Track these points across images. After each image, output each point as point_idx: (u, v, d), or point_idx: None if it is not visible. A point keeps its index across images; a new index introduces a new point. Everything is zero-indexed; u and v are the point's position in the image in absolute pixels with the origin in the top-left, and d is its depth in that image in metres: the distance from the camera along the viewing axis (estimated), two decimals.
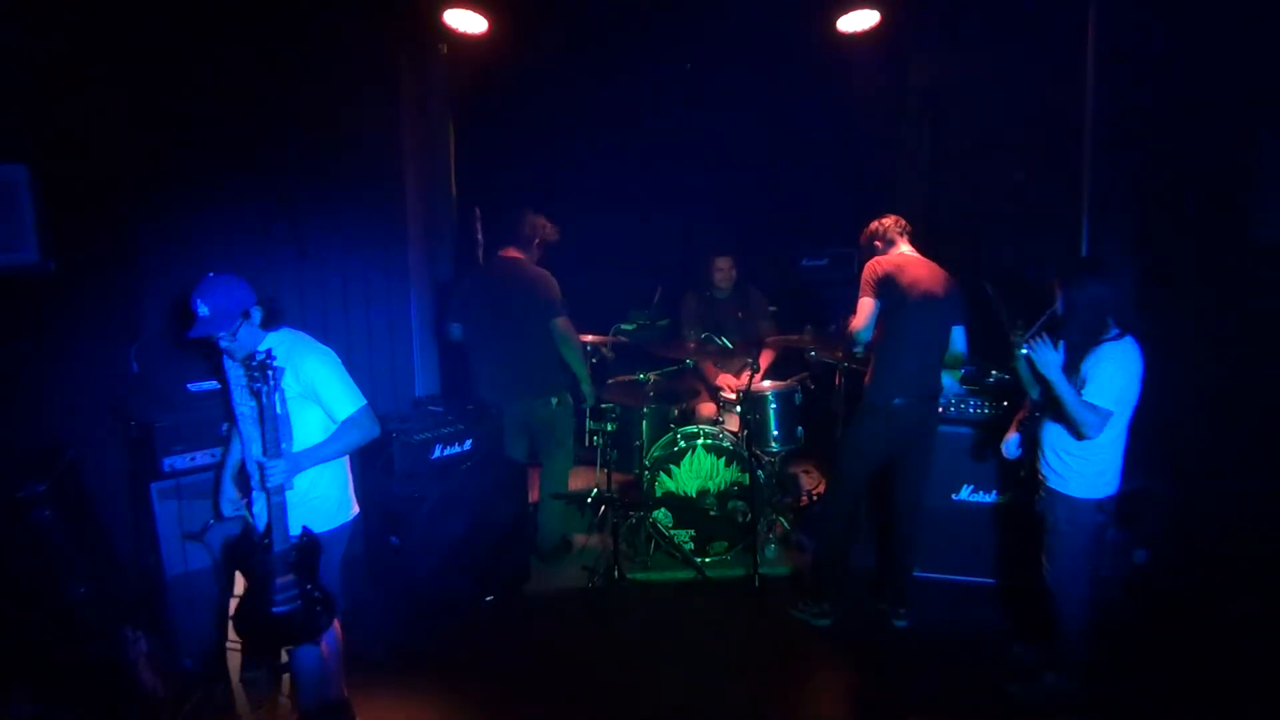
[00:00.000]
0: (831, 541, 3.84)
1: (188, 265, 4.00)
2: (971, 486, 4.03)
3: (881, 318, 3.63)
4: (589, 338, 4.67)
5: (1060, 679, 3.17)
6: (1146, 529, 3.84)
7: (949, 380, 4.06)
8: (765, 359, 4.94)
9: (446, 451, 4.01)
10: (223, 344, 2.66)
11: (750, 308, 5.07)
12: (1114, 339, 2.94)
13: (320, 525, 2.80)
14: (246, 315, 2.65)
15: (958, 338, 3.71)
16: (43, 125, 3.29)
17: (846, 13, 4.73)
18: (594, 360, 4.85)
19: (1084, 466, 3.02)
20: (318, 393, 2.74)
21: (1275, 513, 3.46)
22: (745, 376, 4.54)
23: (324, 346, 2.82)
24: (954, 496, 4.04)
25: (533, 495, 4.61)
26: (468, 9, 4.52)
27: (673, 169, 6.08)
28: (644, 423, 4.86)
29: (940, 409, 3.96)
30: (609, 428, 4.56)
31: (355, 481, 3.02)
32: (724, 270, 4.97)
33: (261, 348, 2.68)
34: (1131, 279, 4.05)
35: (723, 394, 4.82)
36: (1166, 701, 3.24)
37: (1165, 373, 2.95)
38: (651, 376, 4.70)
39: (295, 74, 4.08)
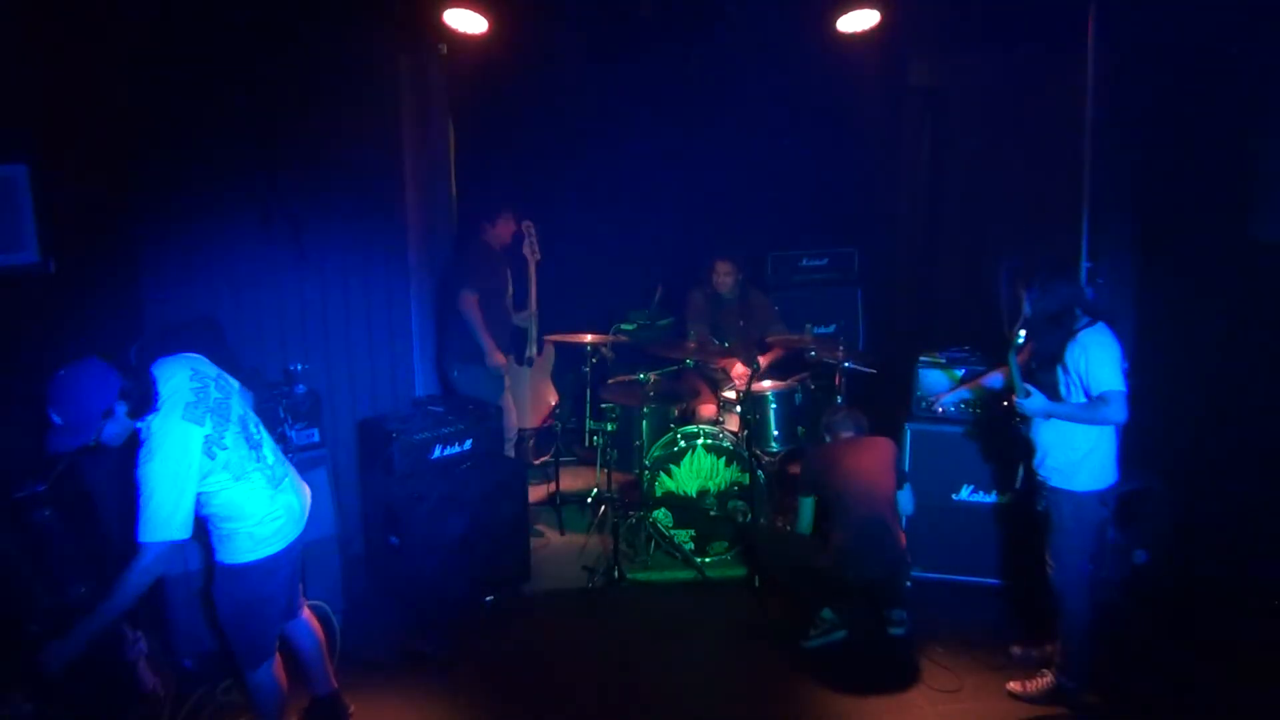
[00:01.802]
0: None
1: (188, 265, 4.04)
2: (972, 486, 4.02)
3: (820, 504, 3.78)
4: (589, 337, 4.68)
5: (1063, 679, 3.17)
6: (1146, 529, 3.84)
7: (946, 381, 4.07)
8: (765, 359, 4.95)
9: (446, 451, 4.01)
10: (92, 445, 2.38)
11: (752, 312, 5.08)
12: (1087, 326, 3.00)
13: (215, 555, 2.66)
14: (109, 414, 2.34)
15: (903, 500, 3.72)
16: (43, 125, 3.29)
17: (846, 13, 4.73)
18: (594, 360, 4.86)
19: (1087, 460, 3.03)
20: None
21: (1275, 513, 3.46)
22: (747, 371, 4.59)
23: (173, 451, 2.37)
24: (954, 496, 4.04)
25: None
26: (468, 9, 4.52)
27: (673, 169, 6.07)
28: (644, 423, 4.86)
29: (940, 410, 3.97)
30: (609, 428, 4.56)
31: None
32: (725, 274, 4.99)
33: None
34: (1131, 278, 4.06)
35: (722, 393, 4.82)
36: (1167, 702, 3.24)
37: (1165, 372, 2.97)
38: (651, 376, 4.70)
39: (295, 74, 4.08)
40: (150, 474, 2.35)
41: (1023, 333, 3.09)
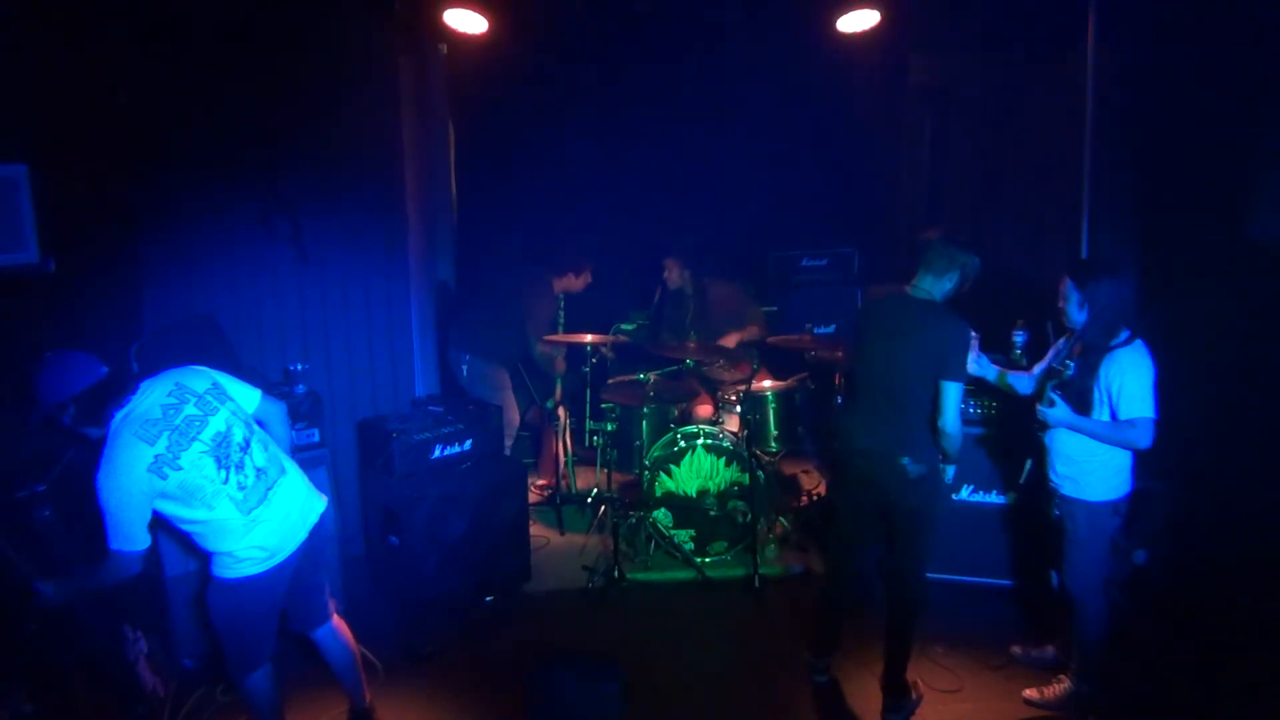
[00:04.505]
0: (823, 589, 3.52)
1: (188, 265, 4.05)
2: (972, 486, 4.02)
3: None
4: (589, 338, 4.68)
5: (1081, 684, 3.16)
6: (1146, 529, 3.84)
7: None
8: (744, 333, 5.03)
9: (446, 451, 4.01)
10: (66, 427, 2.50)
11: (708, 305, 5.13)
12: (1124, 343, 2.92)
13: (209, 565, 2.67)
14: (63, 408, 2.42)
15: (946, 399, 2.93)
16: (43, 125, 3.29)
17: (846, 13, 4.73)
18: (594, 360, 4.87)
19: (1102, 470, 2.99)
20: None
21: (1275, 513, 3.46)
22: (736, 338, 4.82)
23: (119, 466, 2.38)
24: (955, 496, 4.04)
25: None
26: (468, 9, 4.53)
27: (673, 169, 6.08)
28: (644, 423, 4.87)
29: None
30: (609, 428, 4.57)
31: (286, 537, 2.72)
32: (670, 270, 5.14)
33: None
34: (1131, 278, 4.05)
35: (722, 394, 4.83)
36: (1167, 702, 3.24)
37: (1164, 372, 2.95)
38: (651, 376, 4.71)
39: (295, 74, 4.08)
40: (100, 485, 2.37)
41: (1071, 363, 2.96)
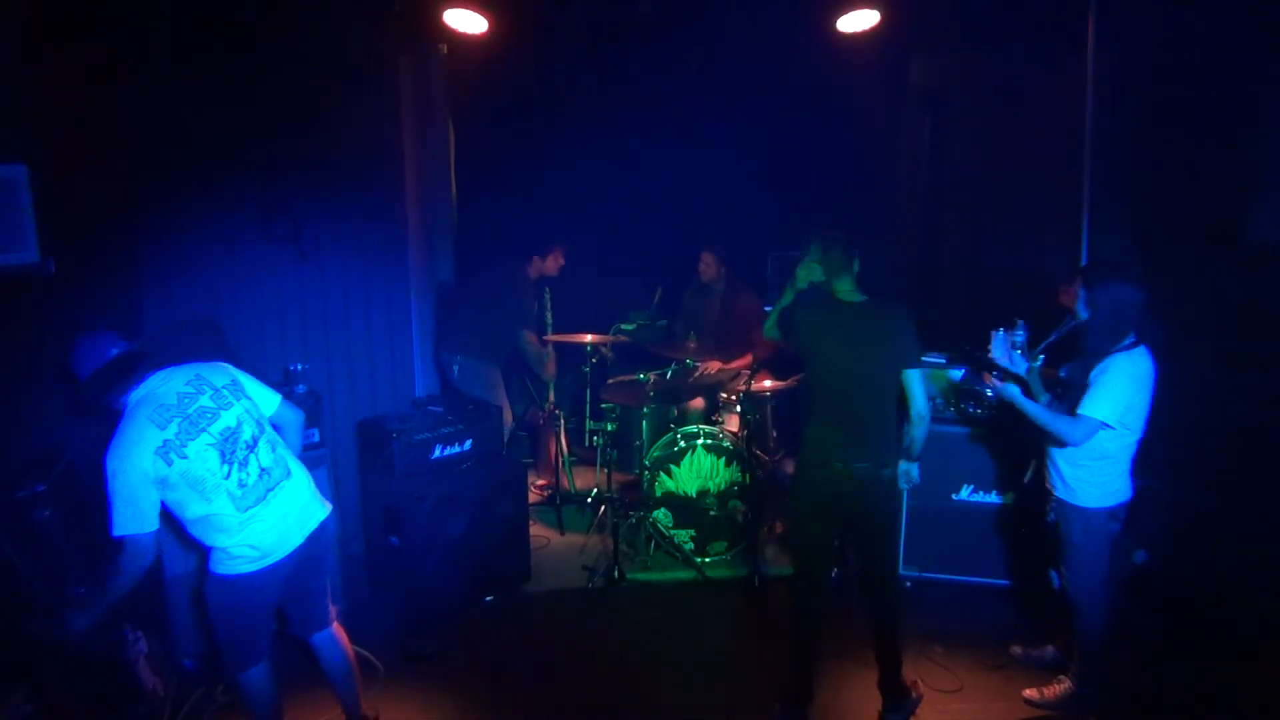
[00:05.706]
0: (794, 614, 3.22)
1: (188, 265, 4.05)
2: (971, 486, 4.02)
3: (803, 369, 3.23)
4: (589, 338, 4.68)
5: (1082, 686, 3.16)
6: (1146, 529, 3.84)
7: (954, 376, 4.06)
8: (742, 361, 4.95)
9: (446, 451, 4.01)
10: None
11: (731, 308, 5.10)
12: (1126, 349, 2.88)
13: (207, 559, 2.67)
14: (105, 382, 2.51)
15: (914, 387, 3.02)
16: (43, 125, 3.29)
17: (846, 13, 4.73)
18: (594, 360, 4.87)
19: (1093, 476, 2.99)
20: None
21: (1275, 512, 3.46)
22: (719, 366, 4.80)
23: (127, 449, 2.40)
24: (954, 496, 4.04)
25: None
26: (468, 9, 4.53)
27: (673, 169, 6.08)
28: (644, 423, 4.87)
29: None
30: (609, 428, 4.57)
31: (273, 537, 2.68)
32: (706, 264, 5.08)
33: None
34: (1141, 284, 4.05)
35: (721, 394, 4.83)
36: (1166, 702, 3.24)
37: (1164, 373, 2.95)
38: (651, 376, 4.71)
39: (295, 74, 4.08)
40: (108, 464, 2.41)
41: (1017, 354, 2.99)
